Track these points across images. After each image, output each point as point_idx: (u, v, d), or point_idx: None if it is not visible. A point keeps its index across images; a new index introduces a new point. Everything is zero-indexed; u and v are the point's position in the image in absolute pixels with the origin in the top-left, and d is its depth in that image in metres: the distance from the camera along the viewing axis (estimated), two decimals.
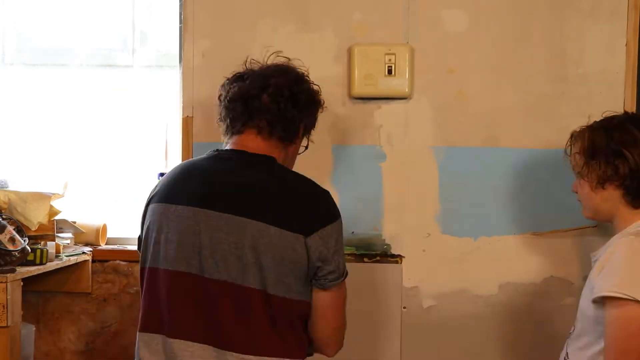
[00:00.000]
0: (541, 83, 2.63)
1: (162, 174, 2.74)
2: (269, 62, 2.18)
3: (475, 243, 2.65)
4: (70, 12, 3.01)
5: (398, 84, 2.62)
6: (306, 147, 2.24)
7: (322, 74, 2.63)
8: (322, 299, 2.06)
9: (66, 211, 2.71)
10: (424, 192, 2.65)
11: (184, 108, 2.68)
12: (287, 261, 1.96)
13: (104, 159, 3.00)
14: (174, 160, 2.76)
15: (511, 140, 2.64)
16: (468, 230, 2.65)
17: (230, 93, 2.12)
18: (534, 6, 2.62)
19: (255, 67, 2.17)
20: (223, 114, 2.13)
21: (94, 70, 3.00)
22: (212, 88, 2.65)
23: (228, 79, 2.17)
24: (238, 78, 2.15)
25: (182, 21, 2.69)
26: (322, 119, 2.64)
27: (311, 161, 2.63)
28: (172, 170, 2.15)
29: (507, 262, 2.65)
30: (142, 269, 2.09)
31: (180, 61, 2.71)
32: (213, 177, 2.04)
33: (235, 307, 1.97)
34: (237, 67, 2.63)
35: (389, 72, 2.61)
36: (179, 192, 2.05)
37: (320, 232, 1.98)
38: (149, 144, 2.93)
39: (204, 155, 2.14)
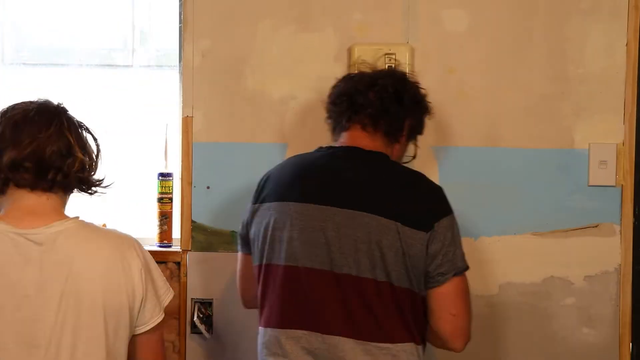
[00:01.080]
0: (541, 83, 2.63)
1: (161, 174, 2.74)
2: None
3: (475, 243, 2.64)
4: (69, 11, 3.00)
5: None
6: (414, 157, 2.31)
7: (322, 73, 2.63)
8: (439, 292, 2.08)
9: (66, 211, 2.70)
10: None
11: (183, 108, 2.68)
12: (408, 257, 2.02)
13: (104, 158, 2.99)
14: (174, 160, 2.76)
15: (511, 140, 2.64)
16: (468, 230, 2.64)
17: (337, 90, 2.22)
18: (534, 6, 2.62)
19: (366, 69, 2.25)
20: (330, 111, 2.23)
21: (93, 69, 2.99)
22: (212, 88, 2.67)
23: (339, 80, 2.26)
24: (347, 78, 2.25)
25: (182, 21, 2.69)
26: (322, 118, 2.64)
27: None
28: (281, 168, 2.21)
29: (508, 262, 2.64)
30: (259, 266, 2.14)
31: (180, 61, 2.71)
32: (332, 173, 2.11)
33: (368, 300, 2.03)
34: (237, 67, 2.65)
35: None
36: (297, 190, 2.11)
37: (437, 226, 2.04)
38: (149, 143, 2.93)
39: (314, 152, 2.21)
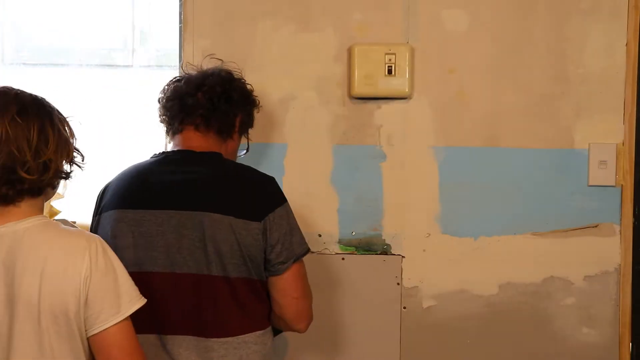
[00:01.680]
0: (541, 83, 2.63)
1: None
2: (205, 66, 2.32)
3: (475, 243, 2.65)
4: (69, 11, 3.00)
5: (398, 84, 2.62)
6: (247, 150, 2.36)
7: (322, 73, 2.64)
8: (278, 281, 2.15)
9: (66, 211, 2.71)
10: (424, 192, 2.65)
11: None
12: (244, 247, 2.08)
13: (104, 158, 2.99)
14: None
15: (511, 140, 2.64)
16: (468, 230, 2.65)
17: (167, 93, 2.27)
18: (534, 6, 2.62)
19: (192, 71, 2.31)
20: (162, 114, 2.28)
21: (93, 69, 2.99)
22: None
23: (167, 83, 2.31)
24: (176, 81, 2.29)
25: (182, 21, 2.69)
26: (322, 118, 2.65)
27: (311, 161, 2.64)
28: (118, 177, 2.26)
29: (507, 262, 2.65)
30: None
31: (180, 61, 2.71)
32: (167, 177, 2.16)
33: (206, 296, 2.08)
34: (237, 67, 2.65)
35: (389, 72, 2.61)
36: (134, 197, 2.16)
37: (271, 216, 2.10)
38: (149, 143, 2.92)
39: (149, 159, 2.26)
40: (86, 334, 1.84)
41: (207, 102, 2.21)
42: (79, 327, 1.82)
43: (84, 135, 2.86)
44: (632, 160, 2.62)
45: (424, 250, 2.65)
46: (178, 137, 2.24)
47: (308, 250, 2.18)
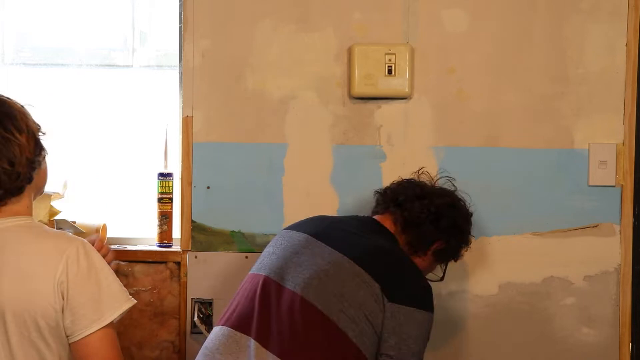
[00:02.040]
0: (541, 83, 2.63)
1: (161, 174, 2.74)
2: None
3: (475, 243, 2.63)
4: (69, 11, 3.00)
5: (398, 84, 2.62)
6: (441, 279, 2.44)
7: (322, 73, 2.64)
8: None
9: (66, 211, 2.71)
10: None
11: (183, 108, 2.68)
12: (365, 308, 2.05)
13: (104, 158, 2.99)
14: (174, 160, 2.76)
15: (511, 140, 2.64)
16: None
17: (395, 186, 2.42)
18: (534, 6, 2.62)
19: (428, 182, 2.44)
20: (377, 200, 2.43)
21: (93, 70, 3.00)
22: (212, 88, 2.67)
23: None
24: (412, 184, 2.42)
25: (182, 21, 2.69)
26: (322, 118, 2.65)
27: (311, 161, 2.64)
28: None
29: (507, 262, 2.65)
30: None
31: (180, 61, 2.71)
32: (341, 225, 2.26)
33: (302, 321, 2.05)
34: (237, 67, 2.65)
35: (389, 72, 2.61)
36: (305, 225, 2.26)
37: (402, 307, 2.09)
38: (149, 143, 2.93)
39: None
40: (68, 341, 1.78)
41: (416, 211, 2.30)
42: (57, 334, 1.76)
43: (83, 135, 2.86)
44: (632, 160, 2.62)
45: None
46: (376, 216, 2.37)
47: None
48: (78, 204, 2.85)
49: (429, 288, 2.19)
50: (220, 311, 2.63)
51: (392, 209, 2.33)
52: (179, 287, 2.68)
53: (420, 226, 2.29)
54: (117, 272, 2.75)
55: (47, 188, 2.66)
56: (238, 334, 2.09)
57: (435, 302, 2.62)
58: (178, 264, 2.69)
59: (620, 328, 2.63)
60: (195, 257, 2.68)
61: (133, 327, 2.73)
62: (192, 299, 2.68)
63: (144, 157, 2.94)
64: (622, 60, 2.61)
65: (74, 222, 2.73)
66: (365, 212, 2.63)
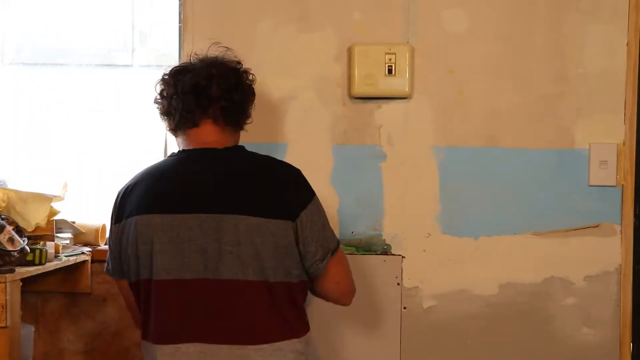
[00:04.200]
0: (541, 83, 2.63)
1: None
2: (209, 54, 2.22)
3: (475, 243, 2.64)
4: (70, 12, 3.01)
5: (398, 84, 2.62)
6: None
7: (322, 73, 2.64)
8: (319, 279, 2.14)
9: (65, 211, 2.71)
10: (424, 192, 2.65)
11: None
12: (282, 247, 2.03)
13: (104, 158, 2.99)
14: None
15: (511, 140, 2.64)
16: (468, 230, 2.65)
17: (175, 87, 2.13)
18: (534, 6, 2.62)
19: (195, 60, 2.20)
20: (168, 109, 2.15)
21: (93, 69, 3.00)
22: None
23: (167, 74, 2.19)
24: (178, 72, 2.16)
25: (182, 21, 2.70)
26: (322, 118, 2.66)
27: (311, 161, 2.64)
28: (140, 179, 2.14)
29: (508, 262, 2.64)
30: (136, 283, 2.10)
31: (179, 61, 2.71)
32: (194, 178, 2.08)
33: (242, 302, 2.02)
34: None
35: (389, 71, 2.61)
36: (161, 200, 2.07)
37: (304, 215, 2.05)
38: (148, 143, 2.93)
39: (169, 158, 2.17)
40: None
41: (225, 93, 2.12)
42: None
43: (83, 134, 2.86)
44: (633, 160, 2.61)
45: (424, 251, 2.65)
46: (192, 132, 2.13)
47: (339, 243, 2.16)
48: (77, 204, 2.85)
49: (298, 173, 2.13)
50: None
51: (204, 113, 2.12)
52: None
53: (235, 104, 2.15)
54: None
55: (47, 188, 2.68)
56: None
57: (435, 302, 2.64)
58: None
59: (620, 328, 2.62)
60: None
61: (133, 327, 2.72)
62: None
63: (144, 157, 2.94)
64: (622, 60, 2.61)
65: (74, 223, 2.73)
66: (366, 213, 2.64)
